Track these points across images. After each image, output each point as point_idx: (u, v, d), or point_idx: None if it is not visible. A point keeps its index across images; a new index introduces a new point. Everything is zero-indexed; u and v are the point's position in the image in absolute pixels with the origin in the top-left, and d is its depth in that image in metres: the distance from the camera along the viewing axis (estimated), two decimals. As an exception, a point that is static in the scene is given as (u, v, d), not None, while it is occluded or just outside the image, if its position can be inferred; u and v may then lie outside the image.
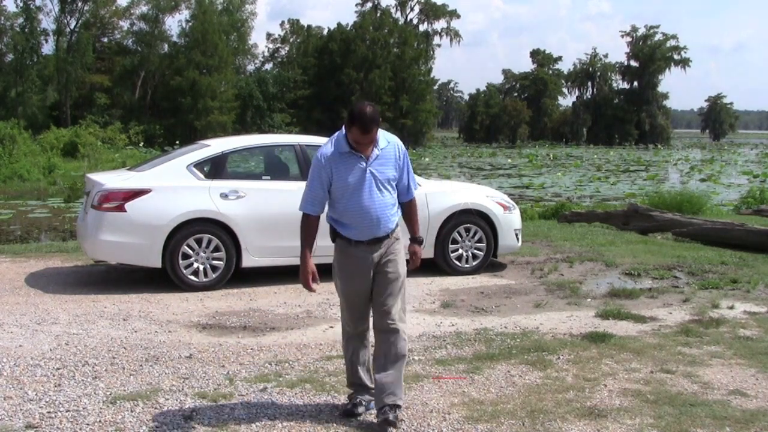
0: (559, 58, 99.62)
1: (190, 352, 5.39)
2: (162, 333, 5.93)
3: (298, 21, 72.70)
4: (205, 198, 7.52)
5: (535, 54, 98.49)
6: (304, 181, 8.64)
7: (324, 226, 4.15)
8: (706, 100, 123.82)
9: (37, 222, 16.50)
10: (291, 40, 71.33)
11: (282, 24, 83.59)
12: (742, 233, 10.37)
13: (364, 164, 3.98)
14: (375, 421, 4.08)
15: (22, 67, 48.44)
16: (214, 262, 7.53)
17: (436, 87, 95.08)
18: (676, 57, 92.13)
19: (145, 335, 5.85)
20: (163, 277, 7.54)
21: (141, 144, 45.95)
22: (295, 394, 4.57)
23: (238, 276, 7.70)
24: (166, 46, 57.41)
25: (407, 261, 4.24)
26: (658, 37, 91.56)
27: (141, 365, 5.09)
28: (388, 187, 4.05)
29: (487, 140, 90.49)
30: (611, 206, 17.00)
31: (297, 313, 6.66)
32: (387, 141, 4.08)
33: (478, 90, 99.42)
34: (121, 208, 7.32)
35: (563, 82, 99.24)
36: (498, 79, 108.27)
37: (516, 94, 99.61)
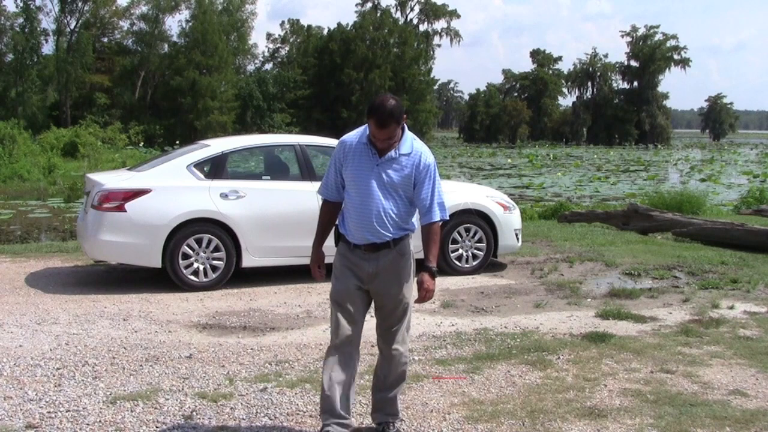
0: (559, 58, 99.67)
1: (190, 352, 5.39)
2: (162, 333, 5.93)
3: (298, 21, 72.74)
4: (205, 198, 7.52)
5: (535, 54, 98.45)
6: (305, 181, 8.65)
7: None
8: (706, 100, 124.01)
9: (37, 222, 16.50)
10: (291, 40, 71.29)
11: (282, 24, 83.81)
12: (742, 233, 10.37)
13: (376, 161, 3.74)
14: (374, 426, 4.03)
15: (22, 67, 48.39)
16: (214, 262, 7.53)
17: (436, 87, 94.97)
18: (676, 57, 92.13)
19: (145, 335, 5.85)
20: (163, 277, 7.54)
21: (141, 144, 45.90)
22: (295, 394, 4.57)
23: (238, 276, 7.70)
24: (166, 46, 57.36)
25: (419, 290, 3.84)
26: (658, 37, 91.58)
27: (141, 365, 5.09)
28: (395, 194, 3.75)
29: (487, 140, 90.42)
30: (611, 206, 17.02)
31: (297, 313, 6.66)
32: (412, 148, 3.77)
33: (478, 90, 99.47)
34: (121, 208, 7.33)
35: (563, 82, 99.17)
36: (498, 79, 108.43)
37: (516, 94, 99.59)
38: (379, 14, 70.98)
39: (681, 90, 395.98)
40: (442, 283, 7.96)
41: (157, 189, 7.47)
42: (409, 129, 3.84)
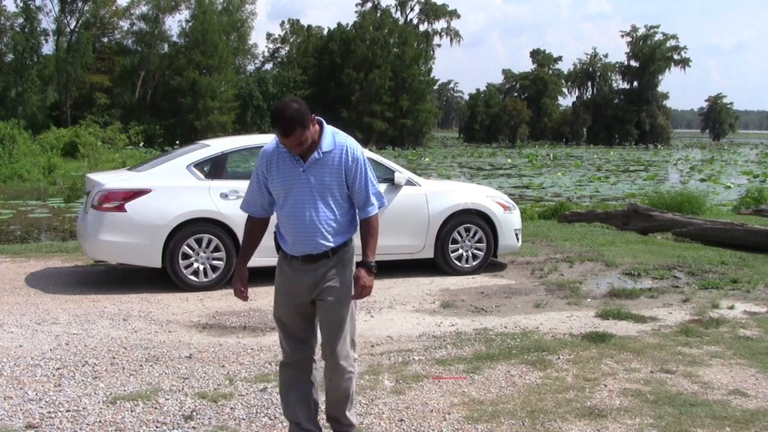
0: (559, 58, 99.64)
1: (190, 352, 5.39)
2: (162, 333, 5.93)
3: (298, 21, 72.79)
4: (205, 198, 7.52)
5: (535, 54, 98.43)
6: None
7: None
8: (706, 100, 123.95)
9: (37, 222, 16.50)
10: (291, 40, 71.33)
11: (282, 24, 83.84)
12: (742, 233, 10.37)
13: (301, 167, 3.46)
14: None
15: (22, 67, 48.44)
16: (214, 262, 7.53)
17: (436, 87, 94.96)
18: (676, 57, 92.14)
19: (145, 335, 5.85)
20: (163, 277, 7.54)
21: (141, 144, 45.92)
22: (295, 394, 4.56)
23: (238, 276, 7.69)
24: (166, 46, 57.41)
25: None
26: (658, 37, 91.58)
27: (141, 365, 5.09)
28: (329, 198, 3.47)
29: (487, 140, 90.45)
30: (611, 206, 17.01)
31: (297, 313, 6.65)
32: (334, 144, 3.47)
33: (478, 90, 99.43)
34: (121, 208, 7.33)
35: (563, 82, 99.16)
36: (498, 79, 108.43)
37: (516, 94, 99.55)
38: (379, 14, 71.00)
39: (681, 90, 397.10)
40: (442, 283, 7.96)
41: (157, 189, 7.47)
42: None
